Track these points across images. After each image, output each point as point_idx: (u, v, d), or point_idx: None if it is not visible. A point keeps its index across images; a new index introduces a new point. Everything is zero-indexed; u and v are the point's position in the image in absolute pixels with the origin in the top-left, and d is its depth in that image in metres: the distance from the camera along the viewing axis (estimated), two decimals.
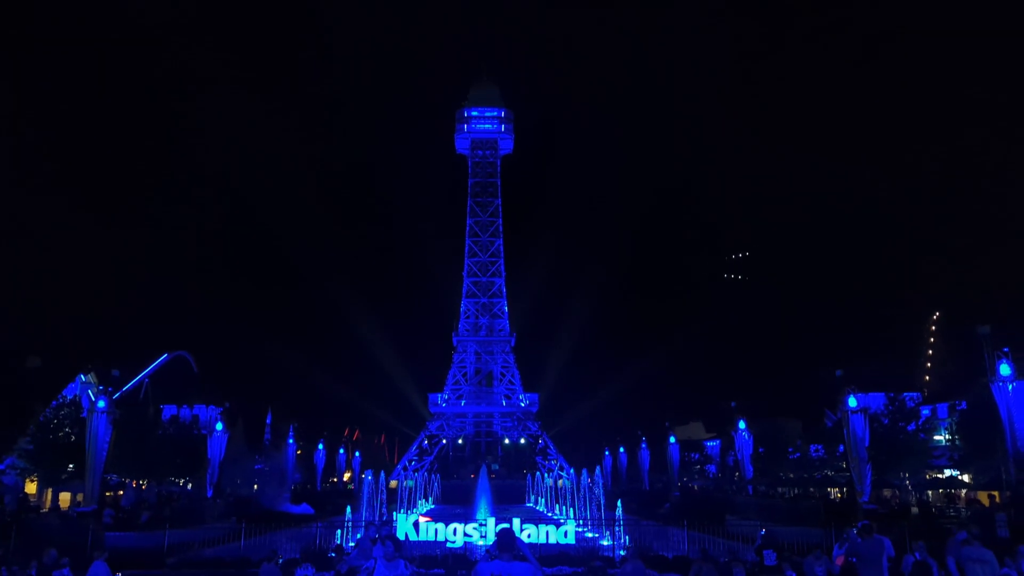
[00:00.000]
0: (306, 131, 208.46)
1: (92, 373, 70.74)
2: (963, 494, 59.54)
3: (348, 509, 40.61)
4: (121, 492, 59.06)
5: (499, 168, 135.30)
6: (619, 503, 39.94)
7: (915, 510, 44.56)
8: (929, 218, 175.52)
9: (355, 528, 36.62)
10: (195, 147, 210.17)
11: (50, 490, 58.78)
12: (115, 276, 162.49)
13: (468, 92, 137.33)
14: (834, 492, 66.76)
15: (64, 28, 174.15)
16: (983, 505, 39.00)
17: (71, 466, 50.33)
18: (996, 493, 48.46)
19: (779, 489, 70.78)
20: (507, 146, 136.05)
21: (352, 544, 32.79)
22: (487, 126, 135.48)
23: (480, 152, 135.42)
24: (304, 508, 50.45)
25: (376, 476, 50.07)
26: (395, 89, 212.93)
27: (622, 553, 28.90)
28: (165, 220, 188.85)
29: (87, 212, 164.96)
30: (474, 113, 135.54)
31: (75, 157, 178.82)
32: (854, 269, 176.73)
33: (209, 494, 45.88)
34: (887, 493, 56.77)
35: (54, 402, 57.03)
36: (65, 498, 57.60)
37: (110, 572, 20.64)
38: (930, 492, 61.59)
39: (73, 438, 50.01)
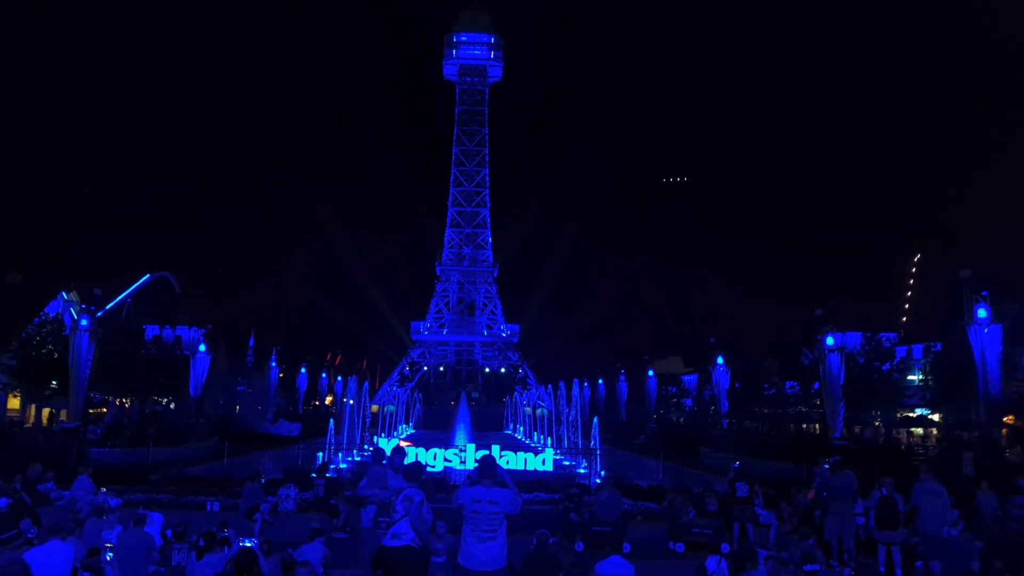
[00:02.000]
0: (288, 52, 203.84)
1: (74, 291, 70.30)
2: (934, 432, 61.12)
3: (331, 422, 41.00)
4: (104, 410, 59.46)
5: (487, 96, 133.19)
6: (595, 426, 40.59)
7: (882, 445, 45.68)
8: (912, 160, 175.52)
9: (337, 449, 37.19)
10: (175, 73, 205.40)
11: (33, 406, 59.06)
12: (97, 194, 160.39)
13: (457, 16, 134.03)
14: (808, 428, 68.28)
15: None
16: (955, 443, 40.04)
17: (54, 383, 50.45)
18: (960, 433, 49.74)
19: (752, 424, 72.20)
20: (496, 74, 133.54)
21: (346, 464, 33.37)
22: (476, 52, 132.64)
23: (468, 79, 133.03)
24: (280, 428, 50.65)
25: (360, 387, 50.18)
26: (380, 11, 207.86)
27: (598, 481, 29.53)
28: (148, 141, 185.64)
29: (66, 131, 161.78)
30: (463, 38, 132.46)
31: (49, 75, 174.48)
32: (837, 210, 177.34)
33: (192, 414, 46.29)
34: (858, 429, 58.09)
35: (36, 319, 56.77)
36: (48, 414, 57.95)
37: (94, 487, 20.92)
38: (897, 430, 63.11)
39: (56, 355, 50.01)
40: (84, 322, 33.03)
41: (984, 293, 29.33)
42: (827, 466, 19.70)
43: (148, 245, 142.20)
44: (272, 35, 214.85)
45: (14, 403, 61.34)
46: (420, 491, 10.97)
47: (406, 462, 12.27)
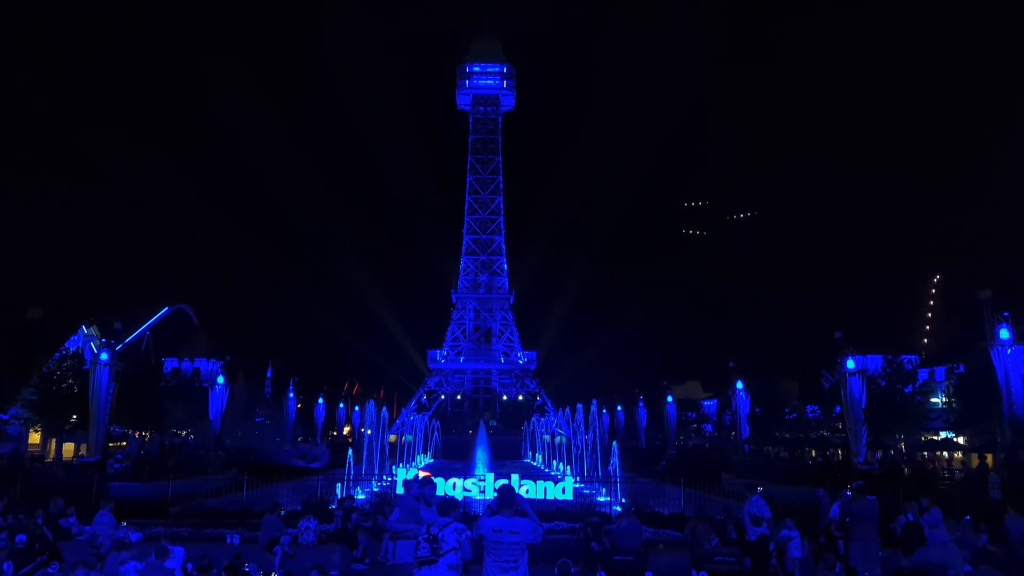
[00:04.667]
0: (304, 86, 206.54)
1: (94, 325, 70.95)
2: (958, 456, 60.14)
3: (350, 452, 40.94)
4: (124, 443, 59.66)
5: (500, 124, 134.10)
6: (614, 453, 40.31)
7: (906, 471, 45.03)
8: (930, 181, 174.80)
9: (356, 480, 37.10)
10: (189, 104, 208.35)
11: (54, 440, 59.33)
12: (115, 229, 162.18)
13: (470, 47, 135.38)
14: (830, 453, 67.43)
15: None
16: (980, 467, 39.39)
17: (74, 417, 50.73)
18: (990, 456, 49.02)
19: (772, 448, 71.41)
20: (509, 102, 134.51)
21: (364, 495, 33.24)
22: (489, 82, 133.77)
23: (481, 108, 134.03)
24: (295, 456, 50.56)
25: (378, 417, 50.08)
26: (394, 44, 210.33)
27: (618, 509, 29.28)
28: (166, 175, 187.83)
29: (89, 166, 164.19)
30: (476, 68, 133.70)
31: (70, 114, 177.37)
32: (855, 231, 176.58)
33: (211, 446, 46.35)
34: (881, 453, 57.30)
35: (57, 354, 57.25)
36: (69, 448, 58.20)
37: (115, 521, 20.94)
38: (924, 453, 62.19)
39: (76, 390, 50.34)
40: (104, 356, 33.26)
41: (1005, 314, 29.03)
42: (849, 492, 19.46)
43: (166, 277, 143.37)
44: (287, 67, 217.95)
45: (35, 438, 61.67)
46: (464, 524, 10.96)
47: (438, 494, 12.25)
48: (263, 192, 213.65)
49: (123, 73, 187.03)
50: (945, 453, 63.48)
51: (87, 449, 35.50)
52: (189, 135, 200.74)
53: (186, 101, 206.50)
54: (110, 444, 46.38)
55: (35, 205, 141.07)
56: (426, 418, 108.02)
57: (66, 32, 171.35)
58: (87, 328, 71.19)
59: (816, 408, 72.04)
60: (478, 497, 29.68)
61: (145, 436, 64.25)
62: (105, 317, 67.95)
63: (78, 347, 62.76)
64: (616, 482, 36.82)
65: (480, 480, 31.62)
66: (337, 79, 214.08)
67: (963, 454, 60.37)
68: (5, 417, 52.79)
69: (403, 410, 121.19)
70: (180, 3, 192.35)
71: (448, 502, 11.57)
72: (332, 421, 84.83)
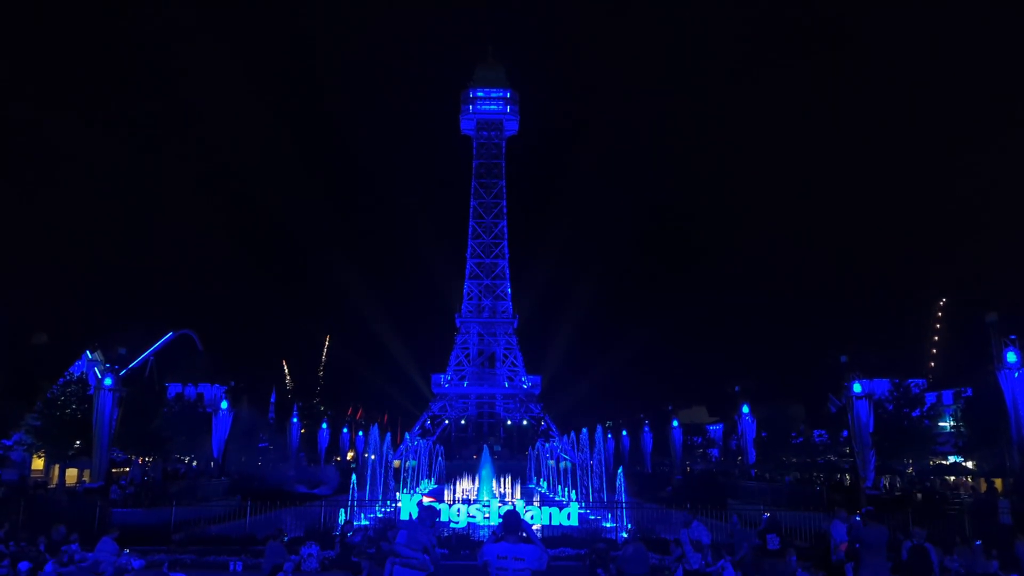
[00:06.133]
0: (308, 112, 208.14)
1: (98, 351, 70.89)
2: (968, 480, 59.65)
3: (353, 478, 40.74)
4: (127, 469, 59.46)
5: (504, 149, 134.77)
6: (620, 478, 40.04)
7: (919, 496, 44.60)
8: (937, 204, 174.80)
9: (360, 506, 36.85)
10: (194, 129, 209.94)
11: (57, 466, 59.06)
12: (119, 254, 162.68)
13: (474, 72, 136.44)
14: (838, 478, 66.83)
15: None
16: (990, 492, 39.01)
17: (78, 443, 50.52)
18: (999, 480, 48.61)
19: (779, 472, 70.77)
20: (512, 127, 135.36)
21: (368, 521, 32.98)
22: (493, 107, 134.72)
23: (485, 133, 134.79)
24: (297, 480, 50.37)
25: (381, 442, 49.98)
26: (399, 69, 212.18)
27: (624, 535, 28.98)
28: (176, 203, 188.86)
29: (91, 193, 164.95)
30: (479, 94, 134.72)
31: (68, 132, 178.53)
32: (861, 255, 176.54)
33: (214, 472, 46.15)
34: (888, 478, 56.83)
35: (61, 379, 57.10)
36: (72, 474, 57.96)
37: (117, 548, 20.81)
38: (935, 478, 61.63)
39: (80, 415, 50.16)
40: (108, 381, 33.19)
41: (1012, 337, 28.85)
42: (858, 517, 19.25)
43: (170, 303, 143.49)
44: (292, 95, 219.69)
45: (38, 464, 61.40)
46: None
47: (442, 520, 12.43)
48: (267, 217, 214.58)
49: (131, 96, 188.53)
50: (954, 478, 62.92)
51: (90, 475, 35.34)
52: (196, 160, 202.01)
53: (194, 125, 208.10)
54: (113, 470, 46.20)
55: (38, 229, 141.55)
56: (430, 443, 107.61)
57: (63, 38, 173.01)
58: (91, 353, 71.08)
59: (823, 432, 71.52)
60: (482, 523, 29.45)
61: (148, 462, 63.98)
62: (109, 342, 68.02)
63: (82, 372, 62.58)
64: (622, 508, 36.53)
65: (485, 506, 31.39)
66: (341, 103, 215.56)
67: (972, 479, 59.86)
68: (8, 443, 52.60)
69: (407, 435, 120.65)
70: (183, 43, 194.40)
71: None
72: (336, 446, 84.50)
